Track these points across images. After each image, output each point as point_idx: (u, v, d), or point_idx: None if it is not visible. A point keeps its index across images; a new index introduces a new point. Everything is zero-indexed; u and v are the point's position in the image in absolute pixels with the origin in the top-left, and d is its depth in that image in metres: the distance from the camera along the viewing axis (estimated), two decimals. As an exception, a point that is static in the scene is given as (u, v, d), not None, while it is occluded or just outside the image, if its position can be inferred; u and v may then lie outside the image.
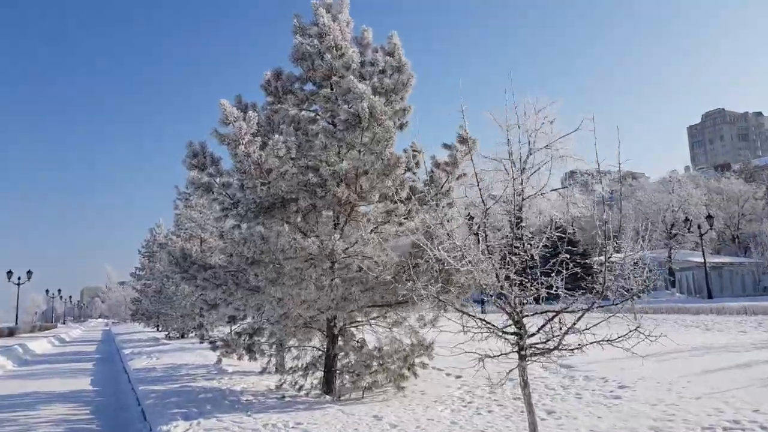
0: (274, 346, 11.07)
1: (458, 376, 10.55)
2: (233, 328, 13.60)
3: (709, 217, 42.25)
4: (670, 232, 46.81)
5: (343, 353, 9.79)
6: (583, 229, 38.41)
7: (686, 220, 43.16)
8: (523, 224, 5.90)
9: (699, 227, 40.40)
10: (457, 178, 10.19)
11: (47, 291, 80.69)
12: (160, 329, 38.42)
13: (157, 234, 34.25)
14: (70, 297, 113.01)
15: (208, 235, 26.00)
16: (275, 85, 10.59)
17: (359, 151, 8.62)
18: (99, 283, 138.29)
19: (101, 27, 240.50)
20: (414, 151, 10.13)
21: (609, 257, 5.20)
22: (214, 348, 13.21)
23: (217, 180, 10.63)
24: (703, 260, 39.54)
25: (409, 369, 9.61)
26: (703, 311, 25.63)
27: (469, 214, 8.33)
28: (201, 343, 14.21)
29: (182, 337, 30.32)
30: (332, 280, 8.42)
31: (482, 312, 11.45)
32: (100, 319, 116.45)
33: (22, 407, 10.83)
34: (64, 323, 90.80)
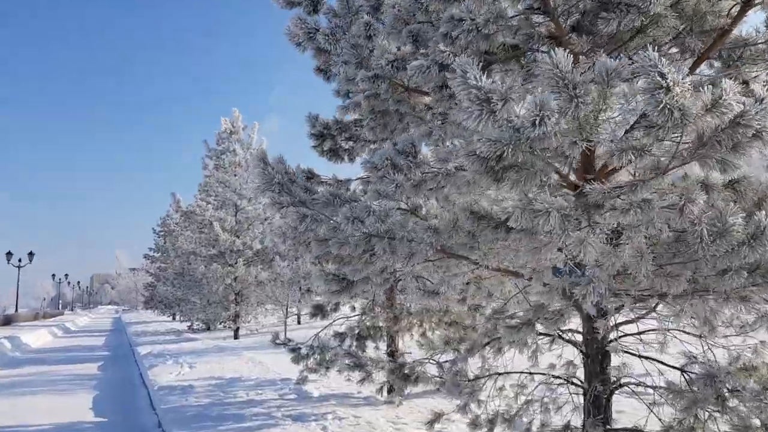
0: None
1: None
2: (331, 324, 8.23)
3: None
4: None
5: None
6: None
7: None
8: None
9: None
10: None
11: (53, 276, 75.98)
12: (178, 318, 33.28)
13: (179, 204, 28.90)
14: (78, 283, 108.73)
15: (246, 202, 20.66)
16: None
17: None
18: (109, 269, 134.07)
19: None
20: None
21: None
22: (298, 358, 7.89)
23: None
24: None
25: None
26: None
27: None
28: (273, 344, 8.62)
29: (208, 329, 25.13)
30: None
31: None
32: (109, 306, 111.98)
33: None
34: (72, 310, 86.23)
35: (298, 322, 24.91)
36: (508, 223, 3.63)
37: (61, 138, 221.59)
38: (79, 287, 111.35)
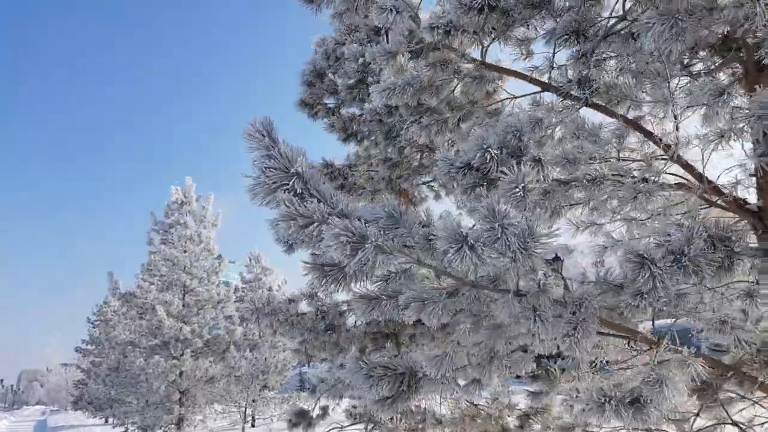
0: None
1: None
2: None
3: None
4: None
5: None
6: None
7: None
8: None
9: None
10: None
11: (-28, 373, 68.05)
12: (111, 422, 29.00)
13: (117, 285, 25.67)
14: (2, 381, 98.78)
15: (197, 282, 17.97)
16: None
17: None
18: (40, 365, 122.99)
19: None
20: None
21: None
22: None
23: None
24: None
25: None
26: None
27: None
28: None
29: (145, 435, 21.42)
30: None
31: None
32: (37, 407, 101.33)
33: None
34: (-9, 412, 77.17)
35: (253, 425, 21.63)
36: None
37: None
38: (2, 386, 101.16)
